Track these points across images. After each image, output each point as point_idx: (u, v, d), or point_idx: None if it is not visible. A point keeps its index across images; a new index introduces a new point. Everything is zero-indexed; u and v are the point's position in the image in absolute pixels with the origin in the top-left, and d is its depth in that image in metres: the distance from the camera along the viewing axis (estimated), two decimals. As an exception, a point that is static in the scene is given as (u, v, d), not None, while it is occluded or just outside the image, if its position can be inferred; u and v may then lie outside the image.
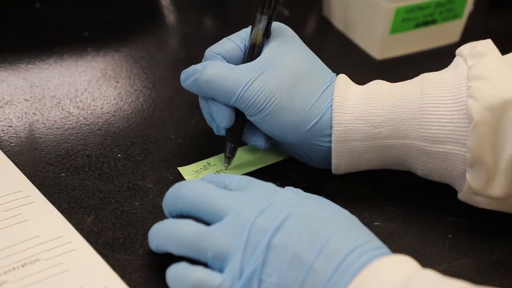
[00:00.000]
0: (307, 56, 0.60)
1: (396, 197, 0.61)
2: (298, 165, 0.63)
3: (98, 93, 0.69)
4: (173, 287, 0.48)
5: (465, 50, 0.58)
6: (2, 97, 0.67)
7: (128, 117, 0.66)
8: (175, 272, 0.48)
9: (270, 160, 0.63)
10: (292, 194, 0.50)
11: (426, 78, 0.58)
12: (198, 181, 0.52)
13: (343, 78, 0.59)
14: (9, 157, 0.60)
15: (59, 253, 0.52)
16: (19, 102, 0.67)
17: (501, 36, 0.62)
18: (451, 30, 0.80)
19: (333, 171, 0.60)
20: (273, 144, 0.64)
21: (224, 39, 0.61)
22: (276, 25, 0.60)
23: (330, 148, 0.58)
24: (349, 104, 0.57)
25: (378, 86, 0.59)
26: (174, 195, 0.51)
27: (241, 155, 0.63)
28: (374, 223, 0.58)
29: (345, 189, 0.61)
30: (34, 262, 0.51)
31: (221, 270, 0.48)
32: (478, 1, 0.85)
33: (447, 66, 0.59)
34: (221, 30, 0.83)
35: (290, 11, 0.84)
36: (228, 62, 0.59)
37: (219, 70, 0.58)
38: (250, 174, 0.61)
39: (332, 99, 0.58)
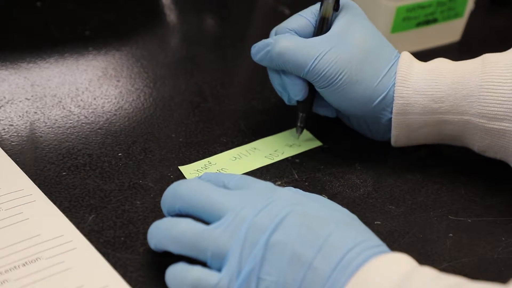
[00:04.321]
0: (373, 33, 0.62)
1: (396, 196, 0.61)
2: (298, 165, 0.63)
3: (99, 92, 0.69)
4: (172, 287, 0.48)
5: None
6: (3, 96, 0.67)
7: (129, 116, 0.66)
8: (174, 272, 0.48)
9: (270, 160, 0.63)
10: (291, 193, 0.51)
11: (488, 58, 0.59)
12: (196, 180, 0.52)
13: (406, 55, 0.62)
14: (10, 156, 0.60)
15: (60, 252, 0.52)
16: (20, 101, 0.67)
17: (502, 35, 0.62)
18: (452, 29, 0.80)
19: (393, 143, 0.62)
20: (274, 142, 0.64)
21: (295, 15, 0.63)
22: (344, 0, 0.62)
23: (390, 121, 0.60)
24: (411, 79, 0.60)
25: (440, 63, 0.61)
26: (172, 194, 0.51)
27: (241, 155, 0.63)
28: (375, 222, 0.58)
29: (345, 189, 0.61)
30: (35, 261, 0.51)
31: (220, 269, 0.48)
32: (479, 0, 0.85)
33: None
34: (222, 29, 0.83)
35: (290, 10, 0.84)
36: (299, 36, 0.62)
37: (291, 43, 0.60)
38: (250, 174, 0.62)
39: (395, 72, 0.60)
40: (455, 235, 0.57)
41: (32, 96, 0.67)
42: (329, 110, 0.65)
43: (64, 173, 0.59)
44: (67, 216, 0.55)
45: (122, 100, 0.68)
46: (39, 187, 0.57)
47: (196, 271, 0.47)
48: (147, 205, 0.57)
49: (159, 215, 0.56)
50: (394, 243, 0.56)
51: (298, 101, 0.63)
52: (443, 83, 0.59)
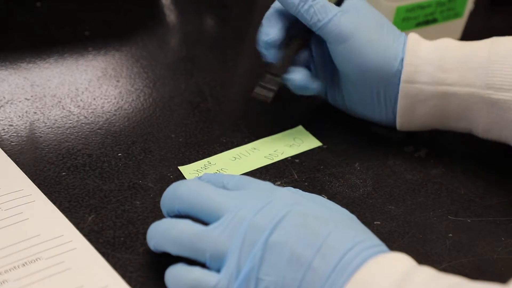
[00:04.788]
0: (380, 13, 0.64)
1: (396, 197, 0.61)
2: (298, 165, 0.63)
3: (98, 92, 0.69)
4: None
5: None
6: (3, 96, 0.67)
7: (129, 116, 0.66)
8: (173, 273, 0.48)
9: (270, 160, 0.63)
10: (290, 193, 0.51)
11: (498, 38, 0.61)
12: (195, 181, 0.52)
13: (414, 34, 0.63)
14: (9, 156, 0.60)
15: (60, 252, 0.52)
16: (19, 101, 0.67)
17: (502, 35, 0.62)
18: (452, 29, 0.80)
19: (398, 119, 0.62)
20: (274, 142, 0.64)
21: None
22: None
23: (397, 95, 0.61)
24: (420, 50, 0.61)
25: (448, 40, 0.63)
26: (171, 195, 0.51)
27: (241, 155, 0.63)
28: (375, 222, 0.58)
29: (345, 189, 0.61)
30: (34, 261, 0.51)
31: (219, 270, 0.48)
32: (479, 0, 0.85)
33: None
34: (221, 29, 0.84)
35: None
36: None
37: None
38: (250, 174, 0.62)
39: (404, 44, 0.61)
40: (455, 235, 0.57)
41: (31, 96, 0.67)
42: (315, 84, 0.64)
43: (63, 173, 0.59)
44: (66, 216, 0.55)
45: (122, 100, 0.68)
46: (38, 187, 0.57)
47: (195, 272, 0.47)
48: (147, 205, 0.57)
49: (159, 215, 0.56)
50: (394, 243, 0.56)
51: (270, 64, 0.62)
52: (450, 56, 0.60)
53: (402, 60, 0.61)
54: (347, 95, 0.65)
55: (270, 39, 0.61)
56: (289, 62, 0.63)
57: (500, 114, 0.59)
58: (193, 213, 0.50)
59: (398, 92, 0.61)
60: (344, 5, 0.62)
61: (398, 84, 0.61)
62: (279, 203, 0.49)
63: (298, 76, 0.62)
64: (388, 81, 0.61)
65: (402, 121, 0.63)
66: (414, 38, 0.62)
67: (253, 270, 0.46)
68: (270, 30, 0.61)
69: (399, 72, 0.61)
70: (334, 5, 0.61)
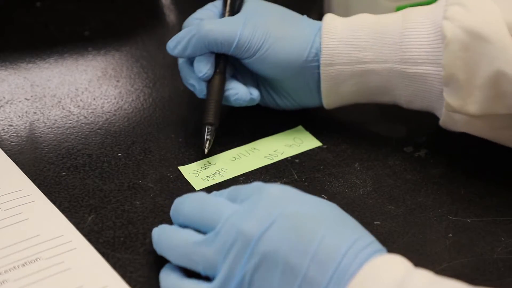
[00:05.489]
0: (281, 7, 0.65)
1: (396, 197, 0.60)
2: (298, 165, 0.63)
3: (98, 92, 0.69)
4: None
5: None
6: (3, 96, 0.67)
7: (129, 116, 0.66)
8: (167, 284, 0.49)
9: (270, 160, 0.63)
10: (279, 192, 0.48)
11: (409, 9, 0.62)
12: (195, 196, 0.51)
13: (330, 14, 0.64)
14: (9, 156, 0.60)
15: (60, 252, 0.52)
16: (19, 101, 0.67)
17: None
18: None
19: (324, 99, 0.63)
20: (274, 142, 0.64)
21: (199, 10, 0.66)
22: None
23: (319, 79, 0.62)
24: (336, 31, 0.62)
25: (362, 16, 0.63)
26: (175, 210, 0.52)
27: (241, 155, 0.63)
28: (375, 222, 0.58)
29: (345, 189, 0.61)
30: (34, 261, 0.51)
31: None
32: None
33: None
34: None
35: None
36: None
37: (214, 22, 0.62)
38: (250, 174, 0.61)
39: (319, 30, 0.62)
40: (455, 235, 0.57)
41: (31, 96, 0.67)
42: (249, 94, 0.63)
43: (63, 173, 0.59)
44: (66, 216, 0.55)
45: (122, 100, 0.68)
46: (38, 187, 0.57)
47: (188, 284, 0.48)
48: (147, 205, 0.57)
49: (159, 215, 0.56)
50: (394, 243, 0.56)
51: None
52: (366, 33, 0.61)
53: (319, 44, 0.61)
54: (278, 93, 0.65)
55: (205, 75, 0.62)
56: (216, 106, 0.62)
57: (418, 87, 0.60)
58: (193, 226, 0.50)
59: (319, 81, 0.62)
60: (242, 13, 0.63)
61: (317, 69, 0.62)
62: (268, 204, 0.47)
63: (240, 90, 0.63)
64: (310, 68, 0.62)
65: (328, 102, 0.64)
66: (329, 19, 0.63)
67: (244, 282, 0.45)
68: (202, 67, 0.62)
69: (317, 57, 0.62)
70: (233, 19, 0.62)
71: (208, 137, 0.61)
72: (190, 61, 0.64)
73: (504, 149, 0.63)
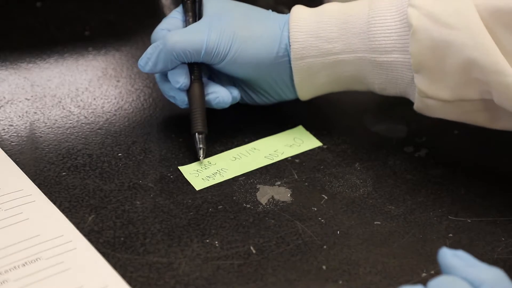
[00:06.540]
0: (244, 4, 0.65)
1: (396, 197, 0.61)
2: (298, 165, 0.63)
3: (99, 92, 0.69)
4: None
5: None
6: (3, 96, 0.67)
7: (129, 116, 0.66)
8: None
9: (270, 160, 0.63)
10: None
11: None
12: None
13: (297, 6, 0.63)
14: (10, 156, 0.60)
15: (60, 252, 0.52)
16: (20, 101, 0.67)
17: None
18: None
19: (298, 92, 0.63)
20: (274, 142, 0.64)
21: (164, 19, 0.65)
22: None
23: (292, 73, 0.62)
24: (303, 24, 0.61)
25: (329, 5, 0.63)
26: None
27: (241, 155, 0.63)
28: (375, 223, 0.58)
29: (345, 189, 0.61)
30: (34, 261, 0.51)
31: None
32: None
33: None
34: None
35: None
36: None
37: (178, 33, 0.61)
38: (250, 173, 0.62)
39: (286, 23, 0.62)
40: (455, 235, 0.57)
41: (32, 96, 0.67)
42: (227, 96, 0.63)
43: (64, 173, 0.59)
44: (67, 216, 0.55)
45: (122, 100, 0.68)
46: (39, 187, 0.57)
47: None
48: (147, 205, 0.57)
49: (159, 215, 0.56)
50: (394, 243, 0.56)
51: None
52: (334, 24, 0.61)
53: (288, 39, 0.61)
54: (254, 91, 0.65)
55: (182, 85, 0.62)
56: (202, 113, 0.62)
57: (389, 74, 0.60)
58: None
59: (292, 75, 0.63)
60: (205, 18, 0.62)
61: (289, 64, 0.62)
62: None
63: (220, 93, 0.63)
64: (281, 64, 0.62)
65: (302, 94, 0.64)
66: (296, 12, 0.63)
67: None
68: (178, 78, 0.62)
69: (287, 52, 0.62)
70: (198, 27, 0.62)
71: (201, 145, 0.61)
72: (166, 74, 0.63)
73: (504, 149, 0.63)
